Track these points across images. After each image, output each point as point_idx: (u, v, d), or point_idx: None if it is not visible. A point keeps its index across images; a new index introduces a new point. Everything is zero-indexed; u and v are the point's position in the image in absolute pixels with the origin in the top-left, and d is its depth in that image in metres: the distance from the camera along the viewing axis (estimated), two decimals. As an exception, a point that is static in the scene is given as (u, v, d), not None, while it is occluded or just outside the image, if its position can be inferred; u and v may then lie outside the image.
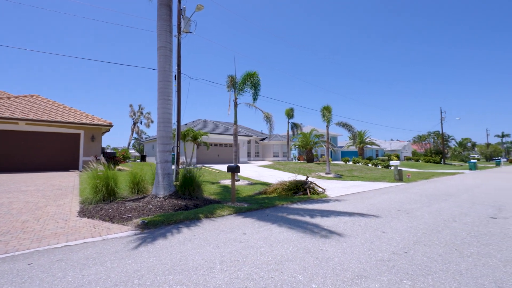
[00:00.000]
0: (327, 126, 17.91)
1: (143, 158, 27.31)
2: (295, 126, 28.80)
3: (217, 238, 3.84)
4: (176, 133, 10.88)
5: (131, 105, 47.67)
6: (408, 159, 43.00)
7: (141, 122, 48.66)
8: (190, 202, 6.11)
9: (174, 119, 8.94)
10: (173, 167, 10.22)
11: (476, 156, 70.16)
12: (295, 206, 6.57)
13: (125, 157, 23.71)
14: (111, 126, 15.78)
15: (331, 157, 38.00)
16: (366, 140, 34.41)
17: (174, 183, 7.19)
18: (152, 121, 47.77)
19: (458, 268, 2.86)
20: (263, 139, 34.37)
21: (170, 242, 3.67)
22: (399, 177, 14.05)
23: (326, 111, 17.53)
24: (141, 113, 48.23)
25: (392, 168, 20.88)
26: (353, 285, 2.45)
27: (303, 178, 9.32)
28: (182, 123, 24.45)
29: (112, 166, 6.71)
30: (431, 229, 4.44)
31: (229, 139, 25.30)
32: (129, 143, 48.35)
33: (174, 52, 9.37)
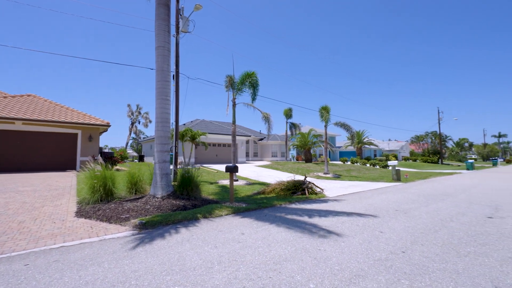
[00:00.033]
0: (325, 126, 17.96)
1: (141, 158, 27.21)
2: (293, 126, 28.86)
3: (215, 238, 3.83)
4: (174, 133, 10.86)
5: (129, 105, 47.53)
6: (406, 159, 43.21)
7: (139, 122, 48.50)
8: (188, 202, 6.10)
9: (172, 119, 8.91)
10: (171, 167, 10.20)
11: (473, 156, 70.65)
12: (293, 206, 6.57)
13: (123, 157, 23.61)
14: (109, 126, 15.72)
15: (330, 157, 38.08)
16: (364, 140, 34.52)
17: (172, 183, 7.17)
18: (150, 121, 47.62)
19: (455, 267, 2.88)
20: (261, 139, 34.37)
21: (168, 242, 3.66)
22: (397, 177, 14.10)
23: (324, 111, 17.57)
24: (139, 113, 48.08)
25: (390, 168, 20.96)
26: (351, 285, 2.45)
27: (301, 178, 9.33)
28: (181, 123, 24.39)
29: (109, 166, 6.68)
30: (429, 229, 4.46)
31: (228, 139, 25.28)
32: (127, 143, 48.17)
33: (172, 51, 9.35)
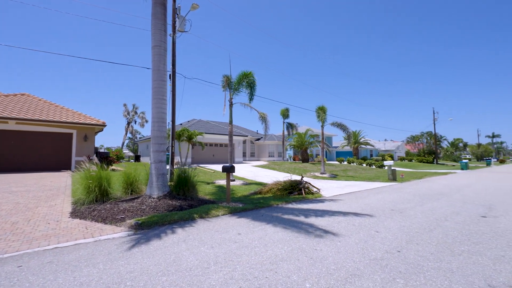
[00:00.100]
0: (322, 127, 18.02)
1: (137, 158, 27.01)
2: (290, 126, 28.90)
3: (212, 239, 3.82)
4: (170, 133, 10.80)
5: (125, 105, 47.16)
6: (401, 159, 43.57)
7: (135, 122, 48.17)
8: (184, 202, 6.07)
9: (168, 119, 8.87)
10: (168, 167, 10.14)
11: (467, 156, 71.54)
12: (290, 206, 6.59)
13: (119, 157, 23.42)
14: (105, 125, 15.58)
15: (326, 157, 38.25)
16: (361, 140, 34.73)
17: (169, 183, 7.14)
18: (146, 121, 47.33)
19: (449, 266, 2.91)
20: (258, 139, 34.38)
21: (164, 243, 3.64)
22: (393, 177, 14.22)
23: (321, 112, 17.63)
24: (135, 112, 47.74)
25: (386, 168, 21.12)
26: (347, 284, 2.47)
27: (298, 178, 9.35)
28: (177, 123, 24.28)
29: (105, 166, 6.62)
30: (424, 228, 4.50)
31: (225, 139, 25.23)
32: (123, 143, 47.80)
33: (169, 51, 9.31)
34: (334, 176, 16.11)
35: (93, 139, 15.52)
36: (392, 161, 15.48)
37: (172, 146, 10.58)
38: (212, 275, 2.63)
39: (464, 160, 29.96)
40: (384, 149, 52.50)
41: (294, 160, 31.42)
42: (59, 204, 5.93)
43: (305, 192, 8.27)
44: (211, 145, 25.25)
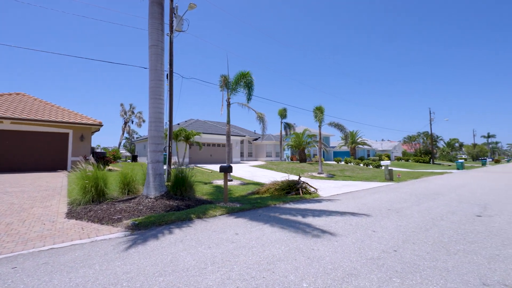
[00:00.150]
0: (320, 127, 18.07)
1: (134, 158, 26.87)
2: (288, 126, 28.94)
3: (209, 239, 3.81)
4: (168, 132, 10.76)
5: (122, 104, 46.88)
6: (398, 159, 43.87)
7: (132, 122, 47.88)
8: (182, 202, 6.05)
9: (166, 119, 8.83)
10: (165, 167, 10.10)
11: (463, 156, 72.25)
12: (287, 206, 6.59)
13: (116, 157, 23.27)
14: (101, 125, 15.47)
15: (324, 157, 38.35)
16: (358, 141, 34.90)
17: (166, 183, 7.11)
18: (143, 121, 47.07)
19: (445, 265, 2.94)
20: (256, 139, 34.38)
21: (161, 243, 3.62)
22: (390, 176, 14.30)
23: (318, 112, 17.68)
24: (132, 112, 47.47)
25: (383, 168, 21.25)
26: (344, 284, 2.48)
27: (295, 178, 9.37)
28: (175, 122, 24.20)
29: (101, 166, 6.57)
30: (420, 228, 4.53)
31: (222, 139, 25.20)
32: (120, 143, 47.50)
33: (166, 51, 9.26)
34: (331, 176, 16.17)
35: (90, 139, 15.41)
36: (389, 161, 15.58)
37: (169, 146, 10.54)
38: (209, 276, 2.63)
39: (460, 160, 30.25)
40: (381, 149, 52.80)
41: (291, 160, 31.46)
42: (55, 205, 5.88)
43: (302, 192, 8.28)
44: (208, 145, 25.20)
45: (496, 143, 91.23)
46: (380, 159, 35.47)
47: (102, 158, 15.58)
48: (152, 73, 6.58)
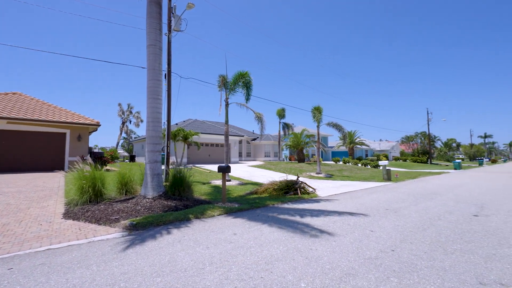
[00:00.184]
0: (318, 127, 18.11)
1: (132, 158, 26.77)
2: (286, 126, 28.98)
3: (207, 239, 3.80)
4: (166, 132, 10.73)
5: (119, 104, 46.70)
6: (396, 159, 44.05)
7: (130, 122, 47.71)
8: (180, 202, 6.03)
9: (164, 119, 8.81)
10: (163, 167, 10.07)
11: (460, 156, 72.68)
12: (285, 206, 6.60)
13: (113, 157, 23.19)
14: (99, 125, 15.40)
15: (322, 157, 38.42)
16: (356, 141, 35.01)
17: (164, 183, 7.09)
18: (141, 121, 46.91)
19: (442, 265, 2.95)
20: (254, 139, 34.38)
21: (159, 243, 3.61)
22: (388, 176, 14.36)
23: (317, 112, 17.71)
24: (130, 112, 47.30)
25: (381, 168, 21.34)
26: (342, 284, 2.48)
27: (294, 178, 9.38)
28: (173, 122, 24.10)
29: (99, 166, 6.54)
30: (418, 227, 4.56)
31: (221, 139, 25.17)
32: (118, 143, 47.31)
33: (164, 50, 9.24)
34: (329, 176, 16.20)
35: (87, 139, 15.33)
36: (387, 161, 15.66)
37: (167, 146, 10.51)
38: (207, 276, 2.62)
39: (457, 160, 30.44)
40: (379, 149, 53.00)
41: (290, 160, 31.50)
42: (52, 205, 5.84)
43: (300, 192, 8.29)
44: (207, 145, 25.16)
45: (493, 143, 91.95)
46: (378, 159, 35.61)
47: (100, 158, 15.51)
48: (150, 73, 6.55)
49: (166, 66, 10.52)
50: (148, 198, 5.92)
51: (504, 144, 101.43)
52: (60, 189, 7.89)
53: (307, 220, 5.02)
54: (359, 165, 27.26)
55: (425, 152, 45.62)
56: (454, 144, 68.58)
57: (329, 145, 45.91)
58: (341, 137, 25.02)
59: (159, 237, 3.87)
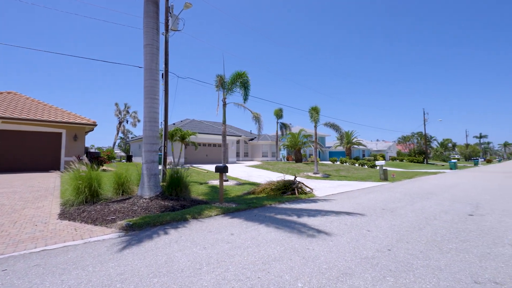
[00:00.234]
0: (315, 127, 18.16)
1: (129, 158, 26.60)
2: (284, 126, 29.01)
3: (204, 239, 3.79)
4: (163, 132, 10.69)
5: (116, 104, 46.37)
6: (393, 159, 44.33)
7: (127, 121, 47.42)
8: (177, 203, 6.01)
9: (161, 118, 8.76)
10: (160, 167, 10.02)
11: (456, 156, 73.37)
12: (283, 206, 6.61)
13: (110, 157, 23.04)
14: (95, 125, 15.28)
15: (319, 157, 38.56)
16: (353, 141, 35.17)
17: (161, 183, 7.06)
18: (138, 120, 46.65)
19: (437, 264, 2.98)
20: (252, 139, 34.37)
21: (156, 244, 3.59)
22: (384, 176, 14.44)
23: (314, 112, 17.76)
24: (127, 112, 47.00)
25: (378, 168, 21.44)
26: (338, 283, 2.49)
27: (291, 178, 9.39)
28: (170, 122, 23.96)
29: (95, 166, 6.49)
30: (414, 227, 4.59)
31: (218, 139, 25.13)
32: (115, 143, 47.01)
33: (162, 50, 9.19)
34: (327, 176, 16.25)
35: (83, 139, 15.21)
36: (384, 161, 15.73)
37: (164, 146, 10.47)
38: (204, 276, 2.61)
39: (453, 160, 30.71)
40: (376, 149, 53.29)
41: (287, 160, 31.54)
42: (47, 206, 5.78)
43: (298, 192, 8.31)
44: (204, 145, 25.10)
45: (488, 143, 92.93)
46: (375, 159, 35.80)
47: (96, 158, 15.39)
48: (147, 73, 6.52)
49: (163, 65, 10.47)
50: (145, 198, 5.89)
51: (499, 144, 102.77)
52: (56, 189, 7.81)
53: (304, 220, 5.03)
54: (356, 165, 27.39)
55: (421, 152, 45.98)
56: (450, 144, 69.19)
57: (326, 145, 46.06)
58: (339, 137, 25.10)
59: (156, 238, 3.85)
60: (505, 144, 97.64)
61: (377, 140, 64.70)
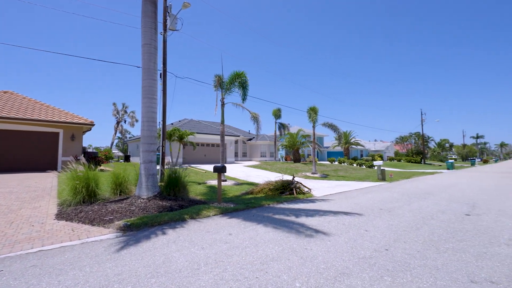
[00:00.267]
0: (313, 127, 18.18)
1: (127, 158, 26.49)
2: (282, 126, 29.02)
3: (202, 239, 3.79)
4: (161, 132, 10.66)
5: (114, 104, 46.16)
6: (391, 159, 44.51)
7: (125, 121, 47.21)
8: (175, 203, 6.00)
9: (159, 118, 8.74)
10: (158, 167, 10.00)
11: (453, 156, 73.80)
12: (281, 206, 6.61)
13: (108, 157, 22.93)
14: (93, 125, 15.21)
15: (318, 157, 38.61)
16: (351, 141, 35.26)
17: (159, 183, 7.04)
18: (136, 120, 46.46)
19: (435, 263, 2.99)
20: (250, 139, 34.36)
21: (154, 244, 3.58)
22: (382, 176, 14.50)
23: (312, 112, 17.78)
24: (125, 112, 46.80)
25: (376, 168, 21.52)
26: (336, 283, 2.50)
27: (289, 178, 9.40)
28: (168, 122, 23.86)
29: (93, 166, 6.46)
30: (411, 227, 4.61)
31: (216, 139, 25.10)
32: (113, 143, 46.76)
33: (160, 50, 9.18)
34: (325, 176, 16.29)
35: (81, 139, 15.13)
36: (382, 161, 15.81)
37: (162, 146, 10.44)
38: (202, 276, 2.61)
39: (450, 160, 30.90)
40: (374, 149, 53.50)
41: (286, 160, 31.57)
42: (44, 206, 5.74)
43: (296, 192, 8.32)
44: (202, 145, 25.06)
45: (485, 143, 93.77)
46: (373, 159, 35.94)
47: (94, 158, 15.31)
48: (145, 72, 6.50)
49: (162, 65, 10.45)
50: (143, 199, 5.87)
51: (495, 144, 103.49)
52: (53, 190, 7.77)
53: (302, 220, 5.04)
54: (354, 165, 27.47)
55: (419, 153, 46.22)
56: (447, 145, 69.64)
57: (324, 145, 46.15)
58: (337, 137, 25.17)
59: (153, 238, 3.84)
60: (502, 145, 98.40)
61: (375, 140, 64.93)
